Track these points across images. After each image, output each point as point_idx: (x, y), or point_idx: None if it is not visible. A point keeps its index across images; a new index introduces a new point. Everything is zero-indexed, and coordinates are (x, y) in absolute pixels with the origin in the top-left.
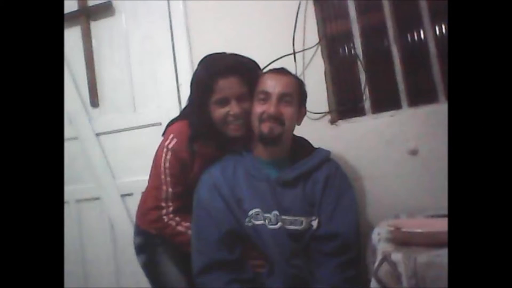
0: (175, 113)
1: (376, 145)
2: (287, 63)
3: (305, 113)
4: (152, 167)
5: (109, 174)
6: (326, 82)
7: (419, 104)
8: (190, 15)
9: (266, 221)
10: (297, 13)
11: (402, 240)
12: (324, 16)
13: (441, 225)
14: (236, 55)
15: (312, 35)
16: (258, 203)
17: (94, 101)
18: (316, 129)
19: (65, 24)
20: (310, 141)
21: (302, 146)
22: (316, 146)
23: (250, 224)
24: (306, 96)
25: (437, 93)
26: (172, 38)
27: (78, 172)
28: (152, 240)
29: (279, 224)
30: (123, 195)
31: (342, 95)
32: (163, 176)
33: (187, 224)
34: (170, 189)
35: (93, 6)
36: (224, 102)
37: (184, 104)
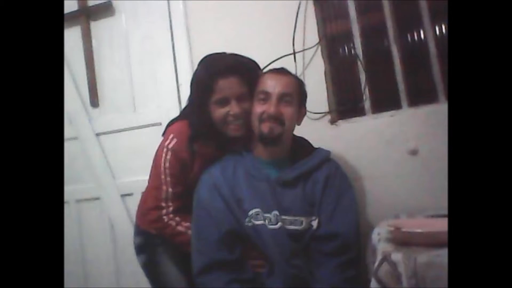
0: (175, 113)
1: (376, 145)
2: (287, 63)
3: (305, 113)
4: (152, 167)
5: (109, 174)
6: (326, 82)
7: (419, 104)
8: (190, 15)
9: (266, 221)
10: (297, 13)
11: (402, 240)
12: (324, 16)
13: (441, 225)
14: (236, 55)
15: (312, 35)
16: (258, 203)
17: (94, 101)
18: (316, 129)
19: (65, 24)
20: (310, 141)
21: (302, 146)
22: (316, 146)
23: (250, 224)
24: (306, 96)
25: (437, 93)
26: (172, 38)
27: (78, 172)
28: (152, 240)
29: (279, 224)
30: (123, 195)
31: (342, 95)
32: (163, 176)
33: (187, 224)
34: (170, 189)
35: (93, 6)
36: (224, 102)
37: (184, 104)
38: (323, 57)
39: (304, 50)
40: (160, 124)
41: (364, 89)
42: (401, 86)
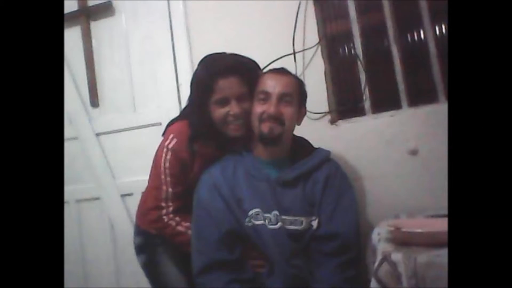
0: (175, 113)
1: (376, 145)
2: (287, 63)
3: (305, 113)
4: (152, 167)
5: (109, 174)
6: (326, 82)
7: (419, 104)
8: (190, 15)
9: (266, 221)
10: (297, 13)
11: (402, 240)
12: (324, 16)
13: (441, 225)
14: (236, 55)
15: (312, 35)
16: (258, 203)
17: (94, 101)
18: (316, 129)
19: (65, 24)
20: (310, 141)
21: (302, 146)
22: (316, 146)
23: (250, 224)
24: (306, 96)
25: (437, 93)
26: (172, 38)
27: (78, 172)
28: (152, 240)
29: (279, 224)
30: (123, 195)
31: (342, 95)
32: (163, 176)
33: (187, 224)
34: (170, 189)
35: (93, 6)
36: (224, 102)
37: (184, 104)
38: (323, 57)
39: (304, 50)
40: (160, 124)
41: (364, 89)
42: (401, 86)
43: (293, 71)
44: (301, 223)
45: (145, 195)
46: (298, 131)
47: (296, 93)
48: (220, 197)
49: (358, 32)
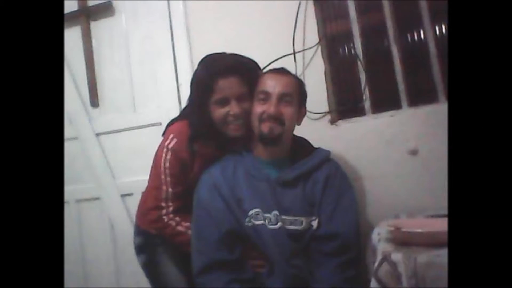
0: (175, 113)
1: (376, 145)
2: (287, 63)
3: (305, 113)
4: (152, 167)
5: (109, 174)
6: (326, 82)
7: (419, 104)
8: (190, 15)
9: (266, 221)
10: (297, 13)
11: (402, 240)
12: (324, 16)
13: (441, 225)
14: (236, 55)
15: (312, 35)
16: (258, 203)
17: (94, 101)
18: (316, 129)
19: (65, 24)
20: (310, 141)
21: (302, 146)
22: (316, 146)
23: (250, 224)
24: (306, 96)
25: (437, 93)
26: (172, 38)
27: (78, 172)
28: (152, 240)
29: (279, 224)
30: (123, 195)
31: (342, 95)
32: (163, 176)
33: (187, 224)
34: (170, 189)
35: (93, 6)
36: (224, 102)
37: (184, 104)
38: (323, 57)
39: (304, 50)
40: (160, 124)
41: (364, 89)
42: (401, 86)
43: (293, 71)
44: (301, 223)
45: (145, 195)
46: (298, 131)
47: (296, 93)
48: (220, 197)
49: (358, 32)
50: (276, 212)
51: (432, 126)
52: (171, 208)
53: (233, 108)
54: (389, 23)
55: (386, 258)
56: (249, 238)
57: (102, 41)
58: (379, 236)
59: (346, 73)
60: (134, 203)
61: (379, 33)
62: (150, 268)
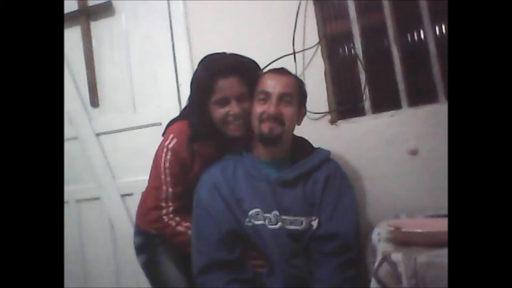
0: (175, 113)
1: (376, 145)
2: (287, 63)
3: (305, 113)
4: (152, 167)
5: (109, 174)
6: (326, 82)
7: (419, 104)
8: (190, 15)
9: (266, 221)
10: (297, 13)
11: (402, 240)
12: (324, 16)
13: (441, 225)
14: (236, 55)
15: (312, 35)
16: (258, 203)
17: (94, 101)
18: (316, 129)
19: (65, 24)
20: (310, 141)
21: (302, 146)
22: (316, 146)
23: (250, 224)
24: (306, 96)
25: (437, 93)
26: (172, 38)
27: (78, 172)
28: (152, 240)
29: (279, 224)
30: (123, 195)
31: (342, 95)
32: (163, 176)
33: (187, 224)
34: (170, 189)
35: (93, 6)
36: (224, 102)
37: (184, 104)
38: (323, 57)
39: (304, 50)
40: (160, 124)
41: (364, 89)
42: (401, 86)
43: (293, 71)
44: (301, 223)
45: (145, 195)
46: (298, 131)
47: (296, 93)
48: (220, 197)
49: (358, 32)
50: (276, 212)
51: (432, 126)
52: (171, 208)
53: (233, 108)
54: (389, 23)
55: (386, 258)
56: (249, 238)
57: (102, 41)
58: (379, 236)
59: (346, 73)
60: (134, 203)
61: (379, 33)
62: (150, 268)
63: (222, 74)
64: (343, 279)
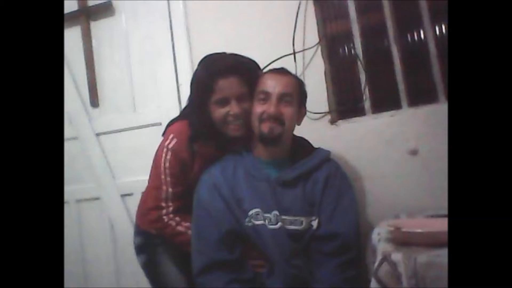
0: (175, 113)
1: (376, 145)
2: (287, 63)
3: (305, 113)
4: (152, 167)
5: (109, 174)
6: (326, 82)
7: (419, 104)
8: (190, 15)
9: (266, 221)
10: (297, 13)
11: (402, 240)
12: (324, 16)
13: (441, 225)
14: (236, 55)
15: (312, 35)
16: (258, 203)
17: (94, 101)
18: (316, 129)
19: (65, 24)
20: (310, 141)
21: (302, 146)
22: (316, 146)
23: (250, 224)
24: (306, 96)
25: (437, 93)
26: (172, 38)
27: (78, 172)
28: (152, 240)
29: (279, 224)
30: (123, 195)
31: (342, 95)
32: (163, 176)
33: (187, 224)
34: (170, 189)
35: (93, 6)
36: (224, 102)
37: (184, 104)
38: (323, 57)
39: (304, 50)
40: (160, 124)
41: (364, 89)
42: (401, 86)
43: (293, 71)
44: (301, 223)
45: (145, 195)
46: (298, 131)
47: (296, 93)
48: (220, 197)
49: (358, 32)
50: (276, 212)
51: (432, 126)
52: (171, 208)
53: (233, 108)
54: (389, 23)
55: (386, 258)
56: (249, 238)
57: (102, 41)
58: (379, 236)
59: (346, 73)
60: (134, 203)
61: (379, 33)
62: (150, 268)
63: (222, 74)
64: (343, 279)
